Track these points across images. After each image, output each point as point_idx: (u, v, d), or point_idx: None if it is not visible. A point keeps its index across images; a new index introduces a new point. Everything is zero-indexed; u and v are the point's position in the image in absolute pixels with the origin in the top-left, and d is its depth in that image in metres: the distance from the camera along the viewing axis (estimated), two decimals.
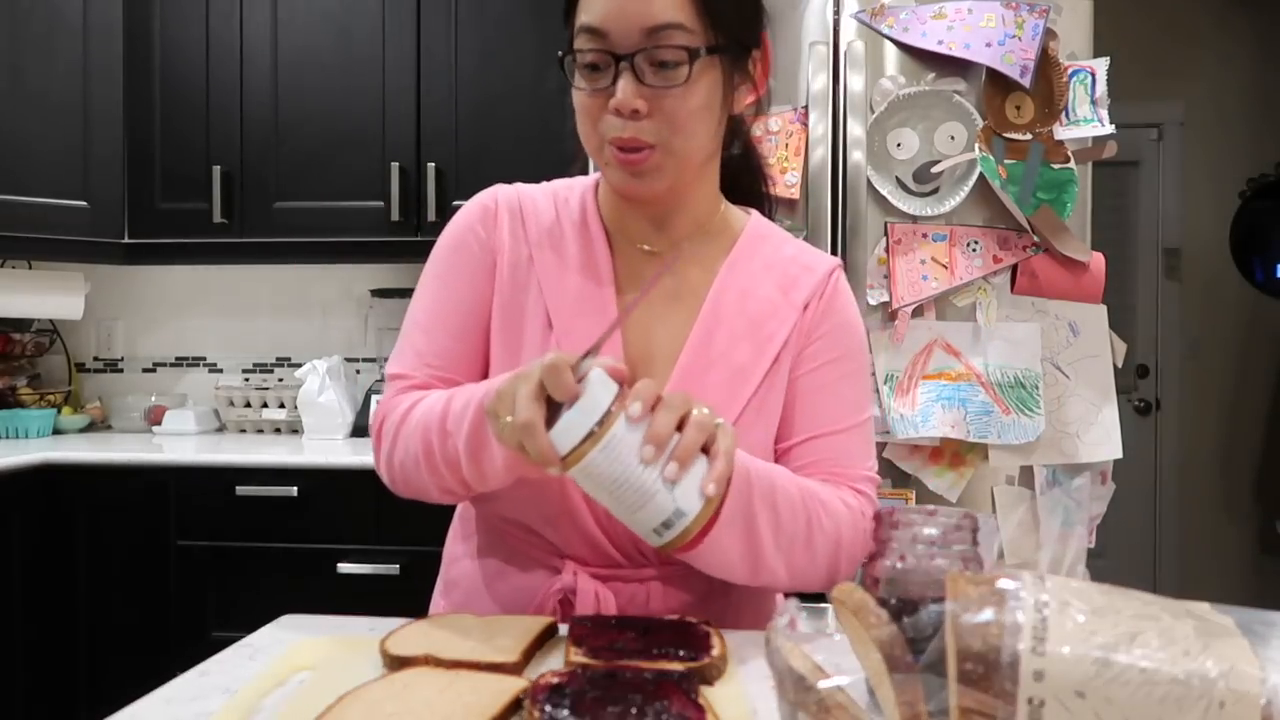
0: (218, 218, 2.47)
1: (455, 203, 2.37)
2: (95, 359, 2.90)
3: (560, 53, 0.89)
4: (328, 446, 2.38)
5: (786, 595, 0.78)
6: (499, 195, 1.00)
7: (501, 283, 0.96)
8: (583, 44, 0.87)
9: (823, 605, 0.58)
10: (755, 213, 1.04)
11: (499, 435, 0.76)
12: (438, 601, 1.04)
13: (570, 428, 0.71)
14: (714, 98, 0.89)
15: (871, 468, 0.96)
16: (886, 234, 1.84)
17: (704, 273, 0.97)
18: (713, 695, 0.70)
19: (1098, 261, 1.86)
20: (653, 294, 0.94)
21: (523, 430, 0.71)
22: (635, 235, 0.98)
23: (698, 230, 0.98)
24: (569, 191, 1.01)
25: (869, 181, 1.84)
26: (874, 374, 1.82)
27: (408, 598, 1.11)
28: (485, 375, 0.96)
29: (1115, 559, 3.62)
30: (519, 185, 1.01)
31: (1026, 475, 1.83)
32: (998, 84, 1.81)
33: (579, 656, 0.74)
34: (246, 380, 2.85)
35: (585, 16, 0.86)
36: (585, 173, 1.03)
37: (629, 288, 0.96)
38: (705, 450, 0.74)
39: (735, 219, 1.02)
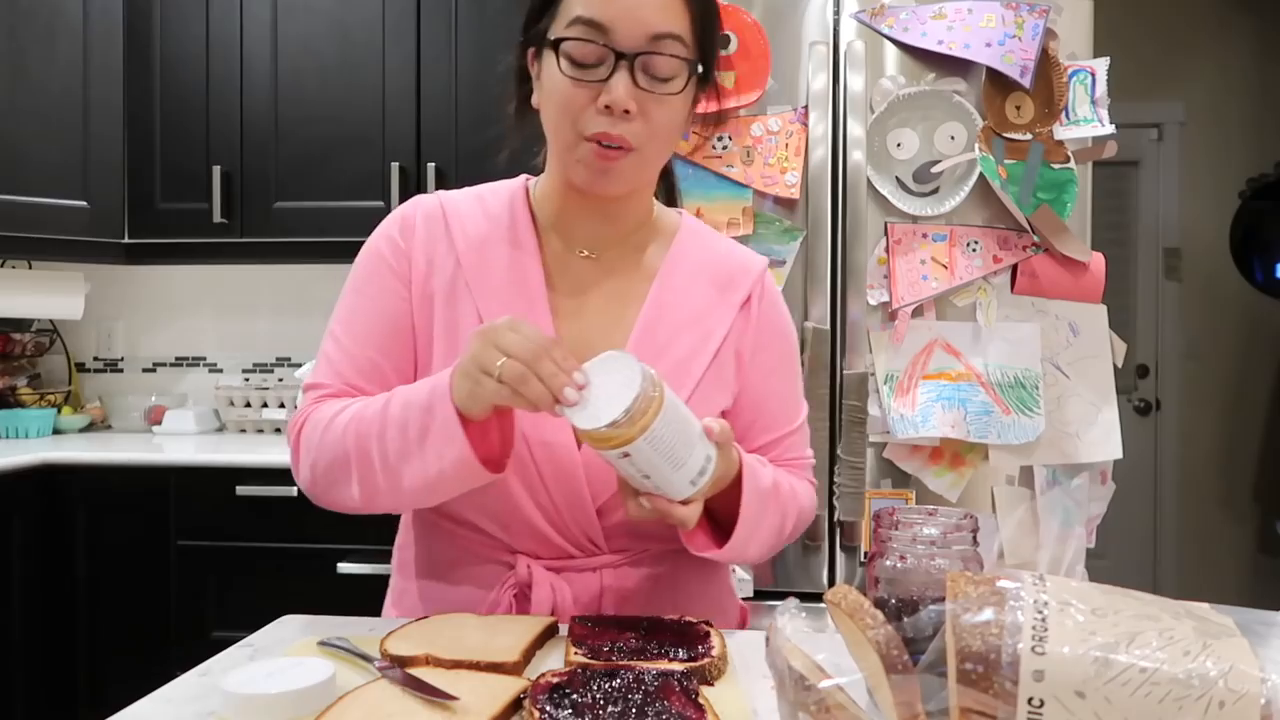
0: (218, 218, 2.47)
1: None
2: (95, 359, 2.90)
3: (551, 38, 0.88)
4: None
5: (744, 598, 0.88)
6: (420, 205, 1.00)
7: (429, 293, 0.95)
8: (579, 34, 0.86)
9: (823, 605, 0.58)
10: (685, 211, 1.08)
11: (493, 378, 0.77)
12: (389, 610, 1.03)
13: (617, 399, 0.74)
14: (687, 111, 0.94)
15: (811, 454, 1.08)
16: (886, 234, 1.84)
17: (644, 270, 1.00)
18: (713, 695, 0.70)
19: (1098, 261, 1.86)
20: (594, 295, 0.98)
21: (539, 348, 0.77)
22: (574, 235, 0.99)
23: (636, 229, 1.01)
24: (495, 196, 1.01)
25: (869, 181, 1.83)
26: (874, 374, 1.83)
27: None
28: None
29: (1115, 559, 3.62)
30: (441, 193, 1.01)
31: (1026, 475, 1.83)
32: (998, 84, 1.81)
33: (579, 656, 0.75)
34: (246, 380, 2.85)
35: (582, 10, 0.86)
36: (514, 159, 1.02)
37: (560, 289, 0.97)
38: None
39: (669, 218, 1.05)
